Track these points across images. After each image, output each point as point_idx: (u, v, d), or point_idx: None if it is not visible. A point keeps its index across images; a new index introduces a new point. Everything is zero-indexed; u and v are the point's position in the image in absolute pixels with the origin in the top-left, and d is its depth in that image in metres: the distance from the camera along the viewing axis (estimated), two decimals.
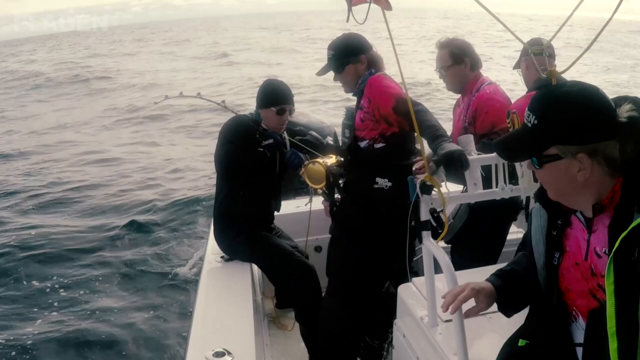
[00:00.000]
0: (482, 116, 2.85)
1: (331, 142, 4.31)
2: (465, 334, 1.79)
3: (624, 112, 1.26)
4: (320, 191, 3.15)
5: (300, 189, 4.56)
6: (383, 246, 2.79)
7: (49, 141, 13.30)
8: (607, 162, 1.26)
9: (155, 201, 8.57)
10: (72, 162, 11.17)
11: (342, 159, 3.03)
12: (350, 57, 2.83)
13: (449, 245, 3.05)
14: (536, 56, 2.57)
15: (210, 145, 11.91)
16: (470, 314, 1.65)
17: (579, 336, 1.45)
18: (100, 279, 5.98)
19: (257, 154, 3.05)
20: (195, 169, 10.49)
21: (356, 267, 2.87)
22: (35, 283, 5.86)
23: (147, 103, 15.98)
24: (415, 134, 2.23)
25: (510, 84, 6.84)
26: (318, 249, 3.87)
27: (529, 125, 1.33)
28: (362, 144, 2.83)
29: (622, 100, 1.29)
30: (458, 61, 3.01)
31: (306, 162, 3.04)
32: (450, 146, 2.09)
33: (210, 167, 10.62)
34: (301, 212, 3.88)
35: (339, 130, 4.70)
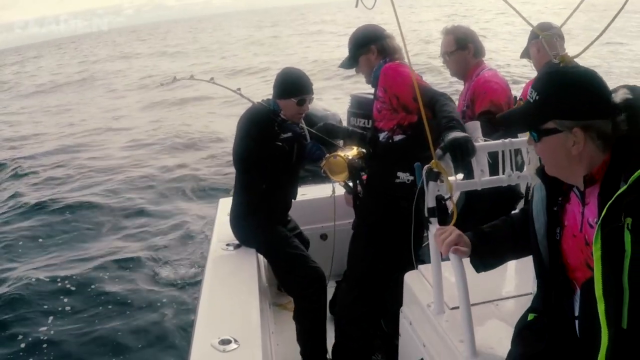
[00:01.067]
0: (481, 97, 2.88)
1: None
2: (473, 321, 1.79)
3: (620, 95, 1.37)
4: (342, 183, 3.13)
5: (305, 177, 4.56)
6: (403, 240, 2.76)
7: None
8: (600, 137, 1.36)
9: (157, 185, 8.59)
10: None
11: (364, 150, 3.03)
12: (361, 49, 2.88)
13: None
14: (547, 41, 2.55)
15: (218, 130, 12.14)
16: (456, 251, 1.74)
17: (577, 309, 1.53)
18: (103, 268, 6.02)
19: (276, 149, 3.00)
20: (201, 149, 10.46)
21: (376, 260, 2.88)
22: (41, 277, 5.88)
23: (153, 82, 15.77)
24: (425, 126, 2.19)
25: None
26: (324, 236, 3.87)
27: (531, 100, 1.45)
28: (381, 137, 2.82)
29: (620, 87, 1.40)
30: (462, 47, 3.03)
31: (327, 155, 3.00)
32: (457, 133, 2.08)
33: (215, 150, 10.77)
34: (305, 200, 3.88)
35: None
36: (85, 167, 10.52)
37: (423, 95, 2.53)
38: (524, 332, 1.71)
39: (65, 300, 5.38)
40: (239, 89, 3.49)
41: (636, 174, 1.25)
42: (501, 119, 1.59)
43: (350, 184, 3.08)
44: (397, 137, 2.77)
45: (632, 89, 1.38)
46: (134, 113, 16.37)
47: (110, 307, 5.22)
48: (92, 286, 5.62)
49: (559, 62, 1.43)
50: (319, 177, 4.01)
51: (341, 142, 4.46)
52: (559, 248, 1.55)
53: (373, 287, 2.93)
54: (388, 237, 2.81)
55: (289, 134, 3.08)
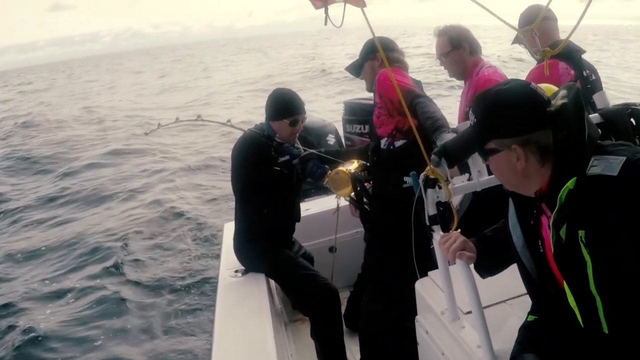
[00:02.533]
0: None
1: (332, 141, 4.24)
2: (488, 324, 1.75)
3: (558, 100, 1.36)
4: (347, 198, 3.10)
5: (308, 190, 4.54)
6: (420, 243, 2.74)
7: None
8: (540, 150, 1.36)
9: (165, 213, 8.57)
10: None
11: (365, 162, 3.02)
12: (368, 55, 2.95)
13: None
14: (526, 35, 2.50)
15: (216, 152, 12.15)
16: (462, 257, 1.71)
17: None
18: (113, 300, 6.01)
19: (275, 174, 2.99)
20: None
21: (394, 270, 2.84)
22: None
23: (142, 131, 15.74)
24: (413, 127, 2.17)
25: None
26: (332, 249, 3.84)
27: (471, 124, 1.49)
28: (382, 144, 2.82)
29: (560, 89, 1.41)
30: (457, 46, 3.00)
31: (329, 172, 2.98)
32: (449, 136, 2.05)
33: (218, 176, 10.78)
34: (311, 215, 3.87)
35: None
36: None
37: (405, 98, 2.54)
38: (525, 333, 1.72)
39: (71, 332, 5.39)
40: (229, 121, 3.45)
41: (562, 190, 1.26)
42: (449, 147, 1.66)
43: (355, 197, 3.04)
44: (399, 143, 2.77)
45: (569, 89, 1.38)
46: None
47: (121, 337, 5.23)
48: (100, 316, 5.66)
49: (541, 58, 1.39)
50: (323, 190, 4.00)
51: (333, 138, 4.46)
52: (545, 260, 1.53)
53: (397, 296, 2.87)
54: (404, 243, 2.77)
55: (287, 157, 3.06)
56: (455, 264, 1.76)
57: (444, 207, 1.90)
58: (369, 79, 2.99)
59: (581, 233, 1.23)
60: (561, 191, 1.26)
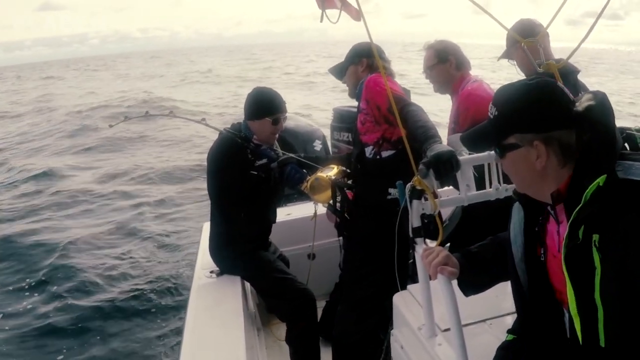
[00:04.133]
0: (463, 113, 2.79)
1: (319, 147, 4.18)
2: (466, 342, 1.70)
3: (583, 102, 1.30)
4: (326, 205, 3.03)
5: (291, 195, 4.48)
6: (399, 256, 2.69)
7: None
8: (563, 150, 1.30)
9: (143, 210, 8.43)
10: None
11: (344, 169, 2.96)
12: (353, 59, 2.91)
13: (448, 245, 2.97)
14: (529, 48, 2.45)
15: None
16: (444, 272, 1.64)
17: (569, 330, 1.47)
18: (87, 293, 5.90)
19: (251, 179, 2.90)
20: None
21: (372, 280, 2.79)
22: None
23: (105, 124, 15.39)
24: (403, 136, 2.13)
25: None
26: (311, 256, 3.78)
27: (491, 117, 1.41)
28: (367, 152, 2.76)
29: (584, 94, 1.34)
30: (442, 60, 2.97)
31: (308, 178, 2.90)
32: (440, 147, 2.00)
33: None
34: (290, 220, 3.81)
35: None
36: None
37: (396, 105, 2.50)
38: (502, 353, 1.69)
39: (39, 326, 5.27)
40: (203, 119, 3.29)
41: (589, 188, 1.20)
42: (464, 139, 1.54)
43: (334, 204, 2.98)
44: (387, 153, 2.72)
45: (595, 94, 1.33)
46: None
47: (85, 334, 5.12)
48: (72, 312, 5.53)
49: (544, 71, 1.35)
50: (306, 195, 3.94)
51: (320, 144, 4.40)
52: (544, 270, 1.48)
53: (373, 307, 2.83)
54: (383, 254, 2.72)
55: (264, 160, 2.99)
56: (436, 279, 1.71)
57: (428, 220, 1.85)
58: (351, 83, 2.94)
59: (595, 237, 1.18)
60: (589, 188, 1.20)
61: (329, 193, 2.88)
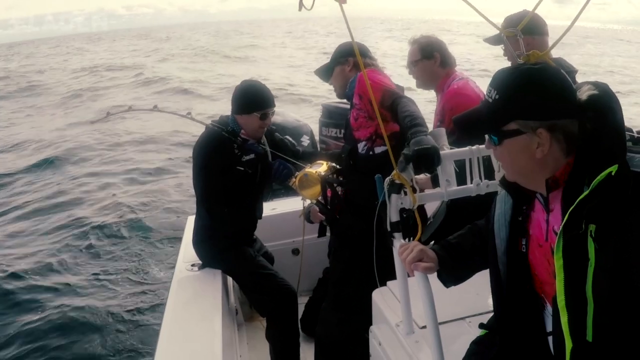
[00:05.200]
0: (450, 112, 2.72)
1: (307, 142, 4.14)
2: (444, 340, 1.67)
3: (584, 92, 1.26)
4: (314, 201, 2.99)
5: (278, 190, 4.45)
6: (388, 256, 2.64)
7: None
8: (566, 138, 1.26)
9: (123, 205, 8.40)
10: None
11: (334, 165, 2.91)
12: (339, 59, 2.84)
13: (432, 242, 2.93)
14: (510, 39, 2.38)
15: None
16: (417, 268, 1.61)
17: (550, 324, 1.41)
18: (67, 288, 5.84)
19: (238, 175, 2.85)
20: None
21: (359, 280, 2.72)
22: None
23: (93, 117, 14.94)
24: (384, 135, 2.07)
25: None
26: (295, 251, 3.75)
27: (490, 100, 1.32)
28: (360, 148, 2.71)
29: (583, 84, 1.30)
30: (427, 56, 2.91)
31: (297, 173, 2.85)
32: (423, 140, 1.93)
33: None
34: (276, 215, 3.77)
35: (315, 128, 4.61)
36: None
37: (387, 98, 2.47)
38: (475, 347, 1.67)
39: (24, 319, 5.21)
40: (189, 113, 3.16)
41: (599, 177, 1.15)
42: (458, 122, 1.44)
43: (323, 201, 2.93)
44: (380, 149, 2.67)
45: (596, 84, 1.28)
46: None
47: (61, 327, 5.05)
48: (48, 304, 5.47)
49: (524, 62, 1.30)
50: (292, 191, 3.90)
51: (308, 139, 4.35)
52: (526, 261, 1.44)
53: (360, 307, 2.78)
54: (372, 252, 2.68)
55: (251, 156, 2.94)
56: (414, 275, 1.67)
57: (407, 215, 1.82)
58: (338, 84, 2.88)
59: (592, 227, 1.13)
60: (599, 176, 1.15)
61: (317, 189, 2.83)
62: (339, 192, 2.92)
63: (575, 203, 1.16)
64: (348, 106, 4.04)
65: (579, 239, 1.16)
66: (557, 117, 1.24)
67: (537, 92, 1.26)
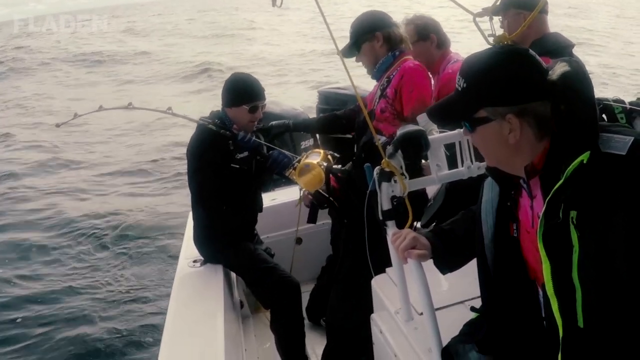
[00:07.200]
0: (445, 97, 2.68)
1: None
2: (445, 325, 1.68)
3: (557, 70, 1.23)
4: (320, 189, 2.87)
5: (278, 180, 4.43)
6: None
7: None
8: (538, 122, 1.23)
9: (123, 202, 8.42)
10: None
11: (331, 152, 2.85)
12: (365, 35, 2.66)
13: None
14: (513, 16, 2.33)
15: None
16: (410, 255, 1.60)
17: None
18: (70, 284, 5.91)
19: (233, 173, 2.84)
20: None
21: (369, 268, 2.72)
22: None
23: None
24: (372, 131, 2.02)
25: None
26: (298, 240, 3.75)
27: (459, 89, 1.32)
28: (382, 140, 2.55)
29: (557, 61, 1.27)
30: (424, 37, 2.87)
31: (295, 163, 2.80)
32: (409, 126, 1.92)
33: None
34: (276, 205, 3.78)
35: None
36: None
37: (416, 113, 2.35)
38: (465, 327, 1.68)
39: (28, 315, 5.29)
40: (169, 109, 3.04)
41: (571, 166, 1.13)
42: (430, 113, 1.44)
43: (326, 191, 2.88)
44: None
45: (569, 61, 1.25)
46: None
47: (65, 325, 5.12)
48: (50, 301, 5.53)
49: (494, 44, 1.27)
50: (292, 181, 3.88)
51: (310, 141, 4.29)
52: (518, 246, 1.42)
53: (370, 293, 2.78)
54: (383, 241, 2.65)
55: (246, 153, 2.92)
56: (407, 262, 1.66)
57: (398, 202, 1.80)
58: (370, 62, 2.71)
59: (573, 214, 1.13)
60: (571, 165, 1.14)
61: (317, 178, 2.76)
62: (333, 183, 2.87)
63: (552, 193, 1.16)
64: (345, 91, 4.03)
65: (561, 226, 1.15)
66: (525, 101, 1.22)
67: (501, 77, 1.24)
